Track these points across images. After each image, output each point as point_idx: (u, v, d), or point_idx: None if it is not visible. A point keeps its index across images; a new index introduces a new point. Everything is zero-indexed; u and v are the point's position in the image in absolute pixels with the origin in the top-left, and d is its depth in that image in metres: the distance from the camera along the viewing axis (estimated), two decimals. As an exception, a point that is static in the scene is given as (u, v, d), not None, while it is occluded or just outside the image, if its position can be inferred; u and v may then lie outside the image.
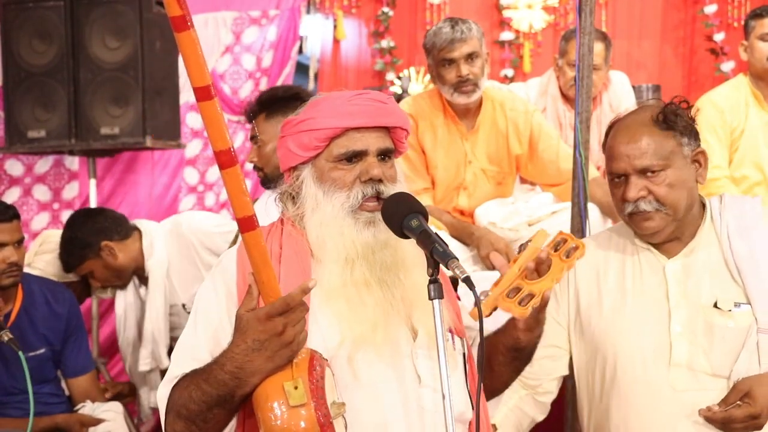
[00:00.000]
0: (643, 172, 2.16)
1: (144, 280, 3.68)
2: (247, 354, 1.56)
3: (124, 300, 3.76)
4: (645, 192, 2.16)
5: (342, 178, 1.78)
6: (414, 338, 1.78)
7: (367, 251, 1.76)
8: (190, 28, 1.41)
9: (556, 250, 1.94)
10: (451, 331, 1.82)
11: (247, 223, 1.54)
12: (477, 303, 1.62)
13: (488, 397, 1.98)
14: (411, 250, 1.79)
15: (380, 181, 1.78)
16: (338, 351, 1.70)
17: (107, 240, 3.54)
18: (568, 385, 2.83)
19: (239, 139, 5.06)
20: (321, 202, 1.78)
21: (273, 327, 1.55)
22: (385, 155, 1.82)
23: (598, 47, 3.94)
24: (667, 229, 2.19)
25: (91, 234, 3.54)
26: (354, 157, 1.79)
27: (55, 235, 3.73)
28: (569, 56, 4.09)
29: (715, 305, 2.15)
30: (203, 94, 1.45)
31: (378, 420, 1.71)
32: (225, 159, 1.49)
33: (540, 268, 1.87)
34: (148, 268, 3.59)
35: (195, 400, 1.61)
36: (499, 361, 1.94)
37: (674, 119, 2.17)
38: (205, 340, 1.73)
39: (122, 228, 3.62)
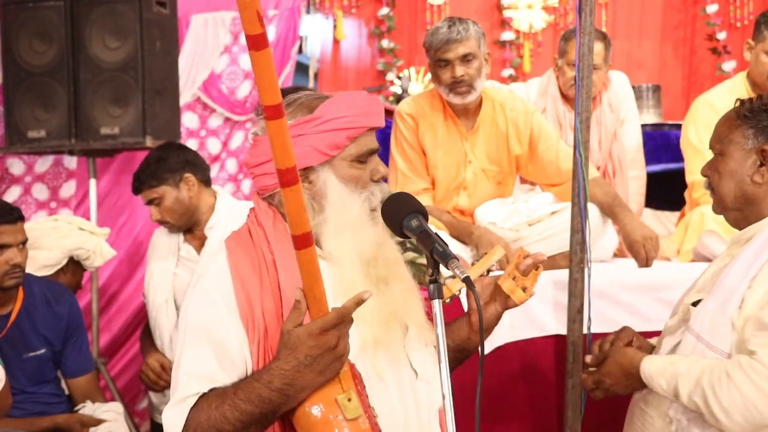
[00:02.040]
0: (712, 150, 2.28)
1: (190, 240, 3.56)
2: (298, 370, 1.55)
3: (165, 249, 3.59)
4: (707, 171, 2.28)
5: (360, 177, 1.78)
6: (404, 332, 1.79)
7: (382, 247, 1.77)
8: (268, 46, 1.37)
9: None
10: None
11: (304, 240, 1.53)
12: (477, 303, 1.62)
13: None
14: (395, 245, 1.83)
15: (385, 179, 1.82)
16: (361, 354, 1.69)
17: (192, 174, 3.48)
18: (568, 385, 2.83)
19: (238, 138, 5.06)
20: (347, 202, 1.75)
21: (327, 341, 1.54)
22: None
23: (598, 47, 3.93)
24: (727, 216, 2.26)
25: (180, 162, 3.47)
26: (369, 155, 1.80)
27: (33, 229, 3.70)
28: (569, 56, 4.09)
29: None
30: (274, 112, 1.42)
31: (392, 418, 1.71)
32: (290, 177, 1.47)
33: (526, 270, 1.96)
34: (208, 230, 3.49)
35: (230, 420, 1.58)
36: None
37: (750, 112, 2.21)
38: (214, 357, 1.67)
39: (207, 175, 3.56)
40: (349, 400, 1.54)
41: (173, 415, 1.65)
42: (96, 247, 3.70)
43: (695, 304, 2.18)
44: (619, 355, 2.30)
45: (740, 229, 2.25)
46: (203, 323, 1.70)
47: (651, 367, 2.16)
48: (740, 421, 1.97)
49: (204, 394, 1.63)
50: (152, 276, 3.62)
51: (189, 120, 4.99)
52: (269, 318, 1.68)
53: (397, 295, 1.77)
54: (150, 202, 3.49)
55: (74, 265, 3.68)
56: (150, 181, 3.46)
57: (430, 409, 1.76)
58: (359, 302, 1.56)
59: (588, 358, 2.43)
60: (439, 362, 1.58)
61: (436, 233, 1.67)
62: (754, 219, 2.20)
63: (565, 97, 4.20)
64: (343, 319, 1.56)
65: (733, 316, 2.05)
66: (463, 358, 1.99)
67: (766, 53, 3.66)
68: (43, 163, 4.84)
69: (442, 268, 1.64)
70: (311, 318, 1.57)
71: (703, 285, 2.24)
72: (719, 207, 2.26)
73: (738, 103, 2.24)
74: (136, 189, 3.51)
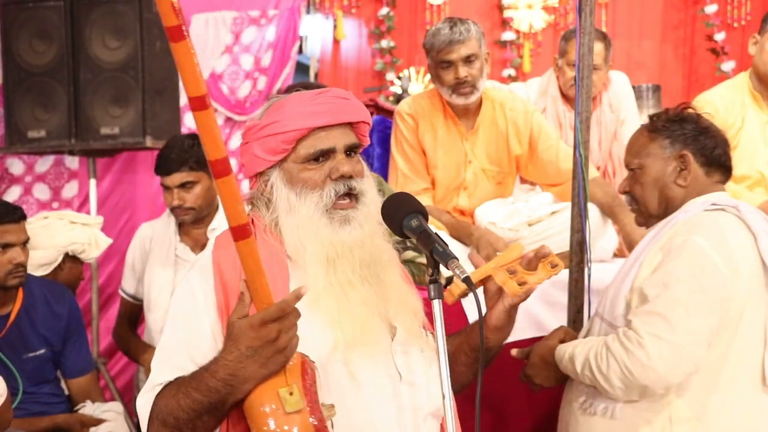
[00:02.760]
0: (627, 167, 2.41)
1: (186, 240, 3.55)
2: (240, 361, 1.55)
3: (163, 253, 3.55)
4: (628, 187, 2.42)
5: (312, 178, 1.78)
6: (392, 335, 1.79)
7: (346, 250, 1.76)
8: (186, 38, 1.40)
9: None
10: (424, 327, 1.84)
11: (241, 232, 1.52)
12: (477, 303, 1.62)
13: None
14: (386, 248, 1.82)
15: (350, 177, 1.79)
16: (333, 354, 1.70)
17: None
18: (566, 384, 2.83)
19: (238, 138, 5.06)
20: (294, 205, 1.77)
21: (267, 333, 1.54)
22: (351, 151, 1.83)
23: (598, 47, 3.93)
24: (650, 224, 2.41)
25: None
26: (322, 156, 1.79)
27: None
28: (569, 56, 4.08)
29: None
30: (199, 103, 1.44)
31: (367, 419, 1.71)
32: (220, 168, 1.47)
33: (531, 264, 1.90)
34: (210, 231, 3.48)
35: (184, 408, 1.60)
36: (461, 361, 1.92)
37: (660, 123, 2.36)
38: (185, 347, 1.71)
39: None
40: (291, 393, 1.55)
41: (143, 402, 1.69)
42: (90, 238, 3.66)
43: None
44: (539, 347, 2.46)
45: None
46: (180, 314, 1.75)
47: (559, 352, 2.34)
48: (619, 385, 2.15)
49: (169, 382, 1.66)
50: (152, 279, 3.60)
51: (189, 120, 4.99)
52: None
53: (377, 296, 1.77)
54: (182, 186, 3.39)
55: (71, 261, 3.66)
56: (191, 162, 3.37)
57: (421, 412, 1.76)
58: (298, 297, 1.57)
59: (513, 352, 2.53)
60: (440, 362, 1.58)
61: (436, 233, 1.68)
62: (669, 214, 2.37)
63: (565, 97, 4.20)
64: (283, 313, 1.55)
65: (627, 295, 2.25)
66: (485, 359, 1.97)
67: None
68: (43, 164, 4.84)
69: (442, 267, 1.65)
70: (256, 310, 1.57)
71: None
72: (643, 217, 2.41)
73: (649, 119, 2.40)
74: (171, 168, 3.37)
